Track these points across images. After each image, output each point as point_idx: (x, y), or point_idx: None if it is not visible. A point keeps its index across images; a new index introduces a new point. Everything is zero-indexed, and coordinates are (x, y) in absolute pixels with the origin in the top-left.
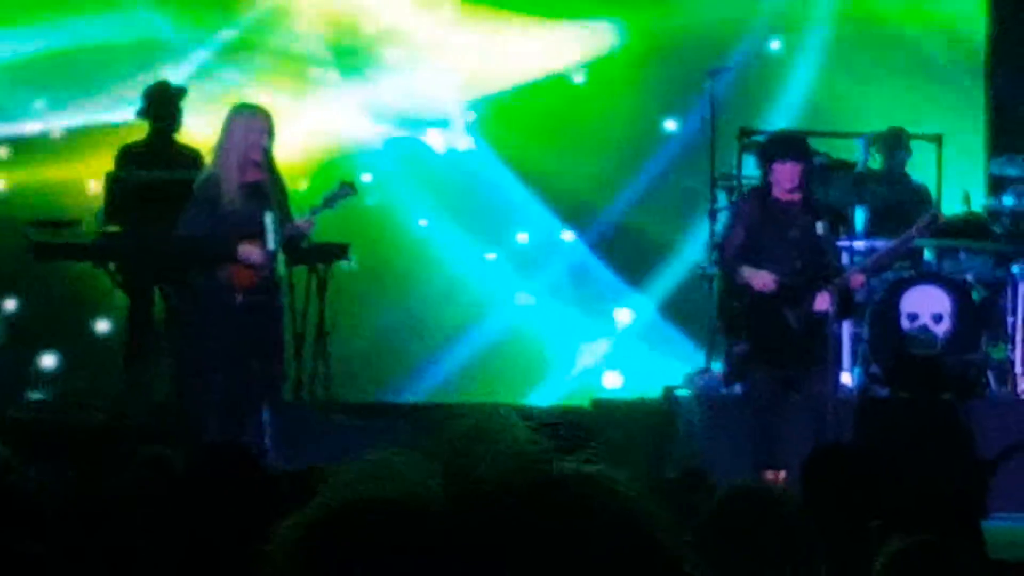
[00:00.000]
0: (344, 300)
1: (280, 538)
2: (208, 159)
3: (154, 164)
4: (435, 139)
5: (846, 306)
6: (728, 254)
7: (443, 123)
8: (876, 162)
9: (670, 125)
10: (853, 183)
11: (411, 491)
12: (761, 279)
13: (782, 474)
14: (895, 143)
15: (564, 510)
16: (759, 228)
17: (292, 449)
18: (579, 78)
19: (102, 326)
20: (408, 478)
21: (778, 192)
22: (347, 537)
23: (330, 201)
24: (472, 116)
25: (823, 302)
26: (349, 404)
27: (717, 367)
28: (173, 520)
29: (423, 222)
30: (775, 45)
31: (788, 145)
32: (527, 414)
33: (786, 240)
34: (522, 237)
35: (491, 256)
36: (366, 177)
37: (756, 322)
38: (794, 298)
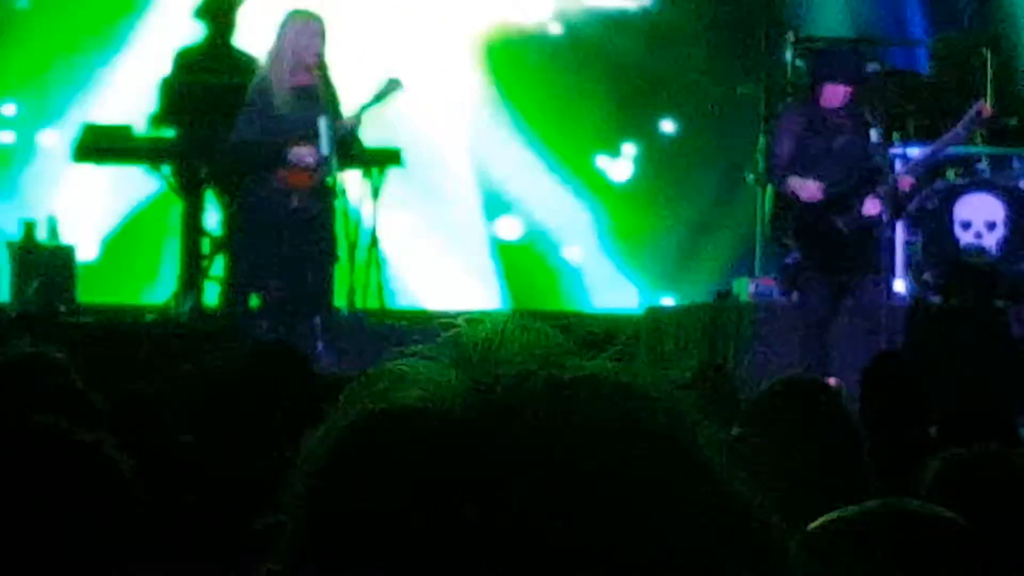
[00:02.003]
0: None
1: (301, 451)
2: (260, 63)
3: (211, 69)
4: None
5: (897, 209)
6: (776, 165)
7: None
8: (934, 68)
9: None
10: (907, 90)
11: (428, 399)
12: (808, 189)
13: (834, 380)
14: (952, 49)
15: (577, 411)
16: (806, 139)
17: (344, 355)
18: None
19: None
20: (425, 386)
21: (825, 103)
22: (366, 448)
23: (379, 97)
24: None
25: (872, 206)
26: (401, 310)
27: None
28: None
29: None
30: None
31: (841, 65)
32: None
33: (833, 149)
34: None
35: None
36: None
37: (806, 231)
38: (843, 204)
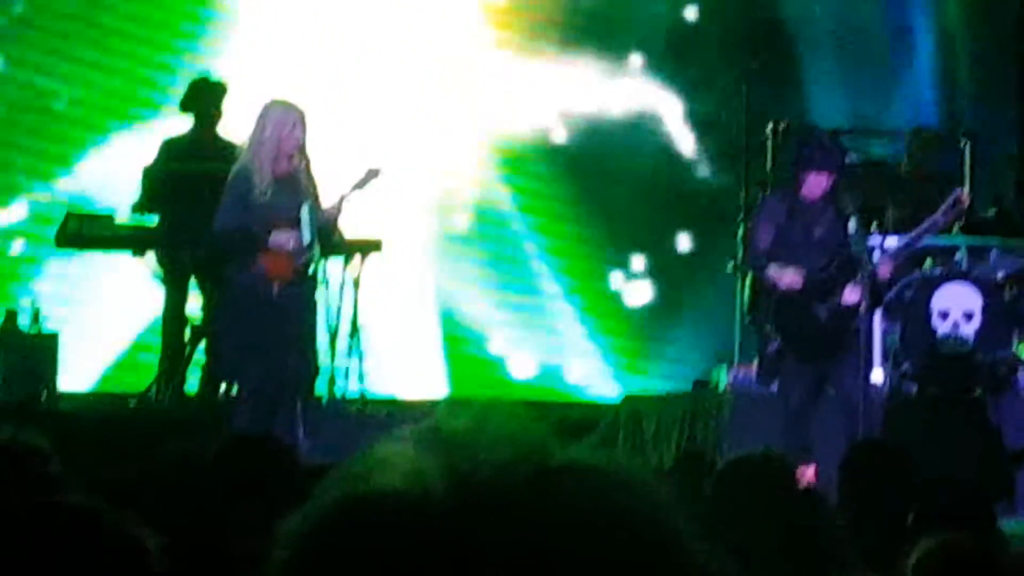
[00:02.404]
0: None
1: (281, 534)
2: (241, 152)
3: (196, 158)
4: None
5: (875, 298)
6: (756, 252)
7: None
8: (910, 160)
9: None
10: (886, 181)
11: (410, 484)
12: (788, 277)
13: (812, 468)
14: (929, 142)
15: (561, 498)
16: (786, 227)
17: (325, 444)
18: None
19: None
20: (406, 471)
21: (806, 193)
22: (346, 532)
23: (358, 186)
24: None
25: (852, 295)
26: (382, 399)
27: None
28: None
29: None
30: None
31: (825, 154)
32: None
33: (812, 238)
34: None
35: None
36: None
37: (786, 319)
38: (823, 292)
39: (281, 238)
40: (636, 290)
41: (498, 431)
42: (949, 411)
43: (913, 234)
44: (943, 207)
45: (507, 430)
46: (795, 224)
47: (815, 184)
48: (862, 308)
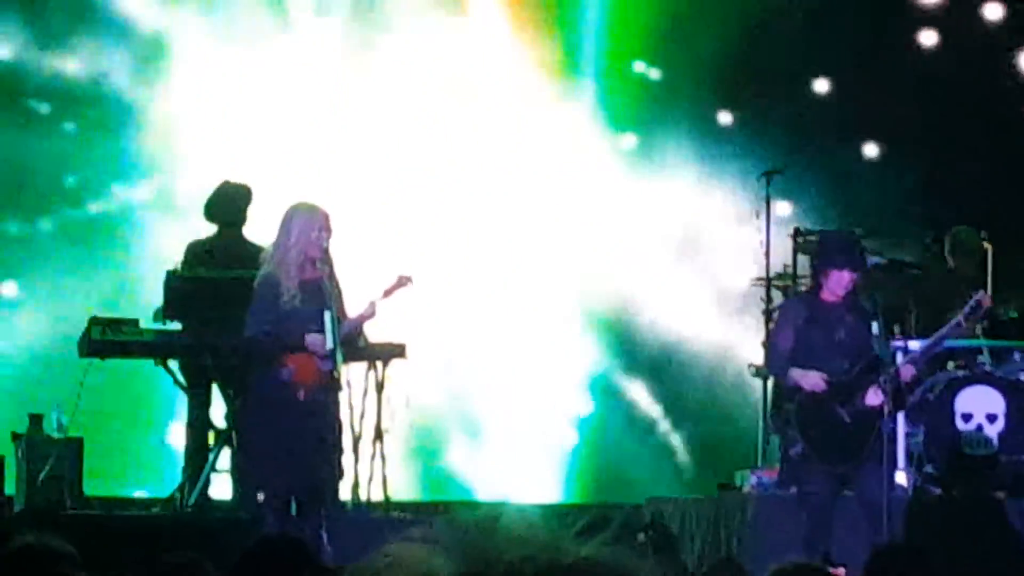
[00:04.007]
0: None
1: None
2: (267, 257)
3: (221, 262)
4: None
5: (898, 399)
6: (778, 357)
7: None
8: (937, 264)
9: None
10: (909, 283)
11: None
12: (811, 380)
13: (842, 570)
14: (952, 246)
15: None
16: (807, 330)
17: (349, 548)
18: None
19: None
20: (418, 571)
21: (827, 295)
22: None
23: (388, 293)
24: None
25: (875, 397)
26: (406, 503)
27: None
28: None
29: None
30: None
31: (846, 253)
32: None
33: (834, 341)
34: None
35: None
36: None
37: (809, 422)
38: (846, 395)
39: (318, 339)
40: None
41: (509, 530)
42: (972, 514)
43: (935, 337)
44: (965, 310)
45: (518, 529)
46: (816, 327)
47: (837, 282)
48: (885, 411)
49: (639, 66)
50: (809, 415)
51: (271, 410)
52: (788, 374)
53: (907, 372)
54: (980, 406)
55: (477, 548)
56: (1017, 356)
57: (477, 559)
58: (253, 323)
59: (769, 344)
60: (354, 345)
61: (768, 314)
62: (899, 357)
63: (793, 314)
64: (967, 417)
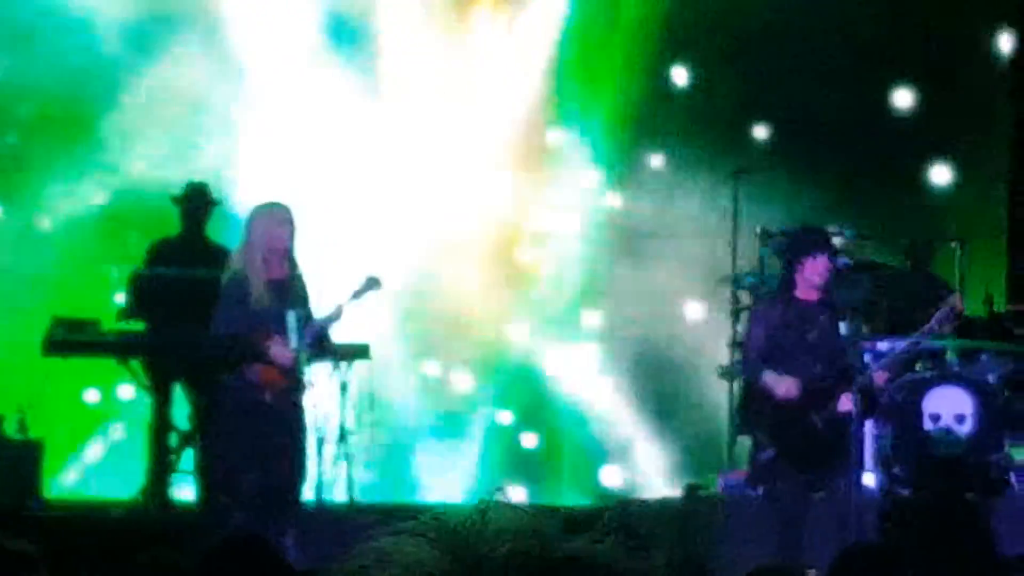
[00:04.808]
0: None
1: None
2: (233, 257)
3: (184, 261)
4: None
5: (870, 405)
6: (750, 358)
7: None
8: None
9: None
10: (877, 283)
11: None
12: (784, 386)
13: (812, 573)
14: (922, 251)
15: None
16: (779, 332)
17: (313, 549)
18: None
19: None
20: (409, 564)
21: (802, 291)
22: None
23: (357, 295)
24: None
25: (847, 403)
26: (371, 505)
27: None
28: None
29: None
30: None
31: (819, 239)
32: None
33: (806, 343)
34: None
35: None
36: None
37: (781, 428)
38: (818, 400)
39: (281, 351)
40: None
41: (500, 525)
42: (941, 515)
43: (909, 341)
44: (939, 314)
45: (510, 524)
46: (789, 329)
47: (815, 270)
48: (856, 415)
49: None
50: (782, 422)
51: (237, 411)
52: (761, 377)
53: (880, 377)
54: (948, 407)
55: (468, 543)
56: (985, 357)
57: (468, 555)
58: (220, 323)
59: (743, 344)
60: (322, 346)
61: (735, 315)
62: (867, 358)
63: (765, 315)
64: (935, 418)
